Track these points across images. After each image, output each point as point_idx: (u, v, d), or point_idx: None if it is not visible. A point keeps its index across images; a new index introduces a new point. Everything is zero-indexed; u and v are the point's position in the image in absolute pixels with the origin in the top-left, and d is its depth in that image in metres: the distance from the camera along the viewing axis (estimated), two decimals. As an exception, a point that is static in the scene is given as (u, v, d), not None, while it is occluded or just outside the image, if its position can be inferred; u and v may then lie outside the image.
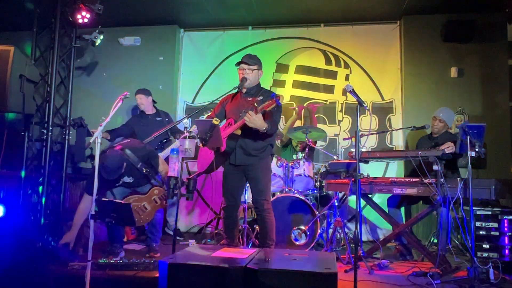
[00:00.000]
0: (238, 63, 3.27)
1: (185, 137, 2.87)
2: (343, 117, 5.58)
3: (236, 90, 3.27)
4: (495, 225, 3.36)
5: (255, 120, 2.86)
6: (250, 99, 3.18)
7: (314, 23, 5.76)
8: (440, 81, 5.26)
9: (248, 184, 3.49)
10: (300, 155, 4.42)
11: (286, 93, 5.74)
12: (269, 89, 5.70)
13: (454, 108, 5.11)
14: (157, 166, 3.69)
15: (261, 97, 3.14)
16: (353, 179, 3.41)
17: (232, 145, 3.14)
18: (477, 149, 3.00)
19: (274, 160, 4.30)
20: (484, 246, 3.36)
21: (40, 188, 3.83)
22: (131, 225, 3.66)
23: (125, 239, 4.12)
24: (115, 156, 3.36)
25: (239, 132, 3.10)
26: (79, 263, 3.16)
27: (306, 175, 4.27)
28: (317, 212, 4.01)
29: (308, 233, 3.98)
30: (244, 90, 3.30)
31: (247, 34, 5.95)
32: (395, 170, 5.35)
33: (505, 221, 3.33)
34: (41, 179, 3.86)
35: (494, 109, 5.09)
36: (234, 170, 3.27)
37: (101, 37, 4.57)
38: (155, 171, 3.68)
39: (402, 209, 4.11)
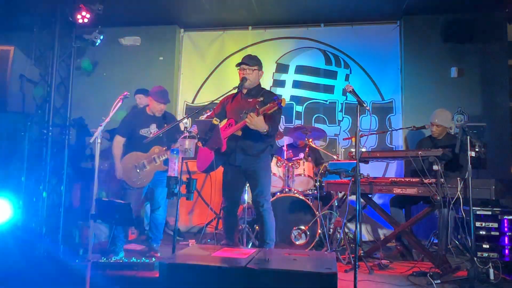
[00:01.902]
0: (239, 64, 3.26)
1: (185, 137, 2.88)
2: (343, 117, 5.58)
3: (236, 90, 3.26)
4: (495, 225, 3.35)
5: (257, 122, 2.87)
6: (251, 100, 3.18)
7: (314, 23, 5.76)
8: (440, 81, 5.26)
9: (247, 184, 3.49)
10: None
11: (286, 93, 5.74)
12: (269, 89, 5.74)
13: (454, 108, 5.11)
14: (175, 136, 3.82)
15: (261, 98, 3.13)
16: (353, 179, 3.41)
17: (232, 146, 3.14)
18: (477, 149, 3.00)
19: (274, 160, 4.30)
20: (484, 246, 3.36)
21: (40, 188, 3.83)
22: (131, 225, 3.67)
23: (125, 239, 4.13)
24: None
25: (239, 133, 3.10)
26: (79, 263, 3.17)
27: (306, 175, 4.27)
28: (317, 212, 4.01)
29: (308, 233, 3.98)
30: (244, 91, 3.29)
31: (247, 34, 5.94)
32: (395, 170, 5.35)
33: (505, 221, 3.33)
34: (41, 179, 3.86)
35: (494, 109, 5.08)
36: (233, 170, 3.27)
37: (101, 37, 4.56)
38: (173, 136, 3.80)
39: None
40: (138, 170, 3.73)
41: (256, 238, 4.06)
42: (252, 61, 3.23)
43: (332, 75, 5.69)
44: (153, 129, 3.87)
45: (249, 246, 3.98)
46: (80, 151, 4.63)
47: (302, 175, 4.27)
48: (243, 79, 3.21)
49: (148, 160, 3.75)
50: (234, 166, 3.24)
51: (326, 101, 5.65)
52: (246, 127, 2.96)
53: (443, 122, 4.04)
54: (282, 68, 5.83)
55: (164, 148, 3.74)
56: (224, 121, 3.25)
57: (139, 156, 3.78)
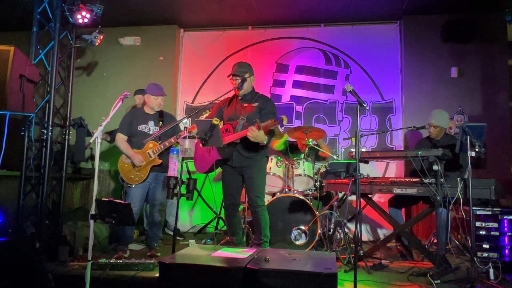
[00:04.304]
0: (230, 75, 3.42)
1: (185, 137, 2.88)
2: (343, 117, 5.58)
3: (233, 94, 3.39)
4: (495, 225, 3.35)
5: (258, 136, 3.08)
6: (246, 105, 3.38)
7: (314, 23, 5.76)
8: (440, 81, 5.26)
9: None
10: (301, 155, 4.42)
11: (286, 93, 5.75)
12: (269, 89, 5.75)
13: (454, 108, 5.12)
14: (174, 134, 3.85)
15: (256, 104, 3.34)
16: (353, 179, 3.40)
17: (230, 150, 3.31)
18: (477, 149, 2.99)
19: (274, 160, 4.31)
20: (484, 246, 3.35)
21: (40, 188, 3.83)
22: (131, 225, 3.67)
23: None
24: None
25: (238, 140, 3.26)
26: (79, 263, 3.17)
27: (306, 175, 4.27)
28: (317, 212, 4.01)
29: (308, 233, 3.98)
30: (239, 96, 3.44)
31: (247, 34, 5.95)
32: (395, 170, 5.35)
33: (505, 221, 3.33)
34: (41, 179, 3.86)
35: (494, 109, 5.08)
36: (231, 171, 3.41)
37: (101, 37, 4.57)
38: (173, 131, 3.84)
39: (402, 209, 4.11)
40: (134, 167, 3.80)
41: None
42: (241, 70, 3.38)
43: (332, 75, 5.69)
44: (151, 125, 3.93)
45: (249, 246, 3.98)
46: (79, 151, 4.62)
47: (302, 175, 4.26)
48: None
49: (144, 156, 3.81)
50: (231, 168, 3.39)
51: (326, 101, 5.65)
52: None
53: (440, 123, 4.03)
54: (282, 68, 5.82)
55: (158, 143, 3.82)
56: (221, 125, 3.33)
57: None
